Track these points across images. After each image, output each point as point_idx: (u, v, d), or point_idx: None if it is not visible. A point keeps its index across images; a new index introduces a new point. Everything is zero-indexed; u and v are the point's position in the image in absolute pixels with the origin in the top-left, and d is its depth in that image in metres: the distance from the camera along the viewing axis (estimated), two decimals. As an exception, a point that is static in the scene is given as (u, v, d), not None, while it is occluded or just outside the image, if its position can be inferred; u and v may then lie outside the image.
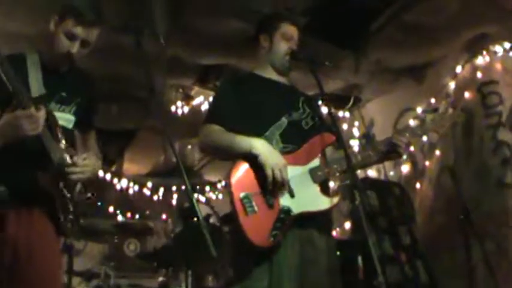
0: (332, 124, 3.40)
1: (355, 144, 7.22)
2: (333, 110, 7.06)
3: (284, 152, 3.23)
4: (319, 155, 3.31)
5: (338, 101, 7.12)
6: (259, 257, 3.07)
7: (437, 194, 6.32)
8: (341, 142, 3.26)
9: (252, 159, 3.14)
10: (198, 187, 9.90)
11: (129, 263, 8.07)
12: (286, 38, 3.54)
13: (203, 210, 5.91)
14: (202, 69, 6.51)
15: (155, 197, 10.43)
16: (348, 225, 7.12)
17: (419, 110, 6.62)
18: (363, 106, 7.45)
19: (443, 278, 5.59)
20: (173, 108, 7.16)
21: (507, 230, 5.49)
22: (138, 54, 3.02)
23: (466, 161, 6.05)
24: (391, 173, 6.90)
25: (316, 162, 3.27)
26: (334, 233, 7.50)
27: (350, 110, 7.47)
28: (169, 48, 5.88)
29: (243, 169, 3.16)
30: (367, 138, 7.08)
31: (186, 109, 7.19)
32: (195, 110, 7.13)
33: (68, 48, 3.09)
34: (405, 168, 6.80)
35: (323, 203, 3.19)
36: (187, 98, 7.08)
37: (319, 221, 3.23)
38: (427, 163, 6.54)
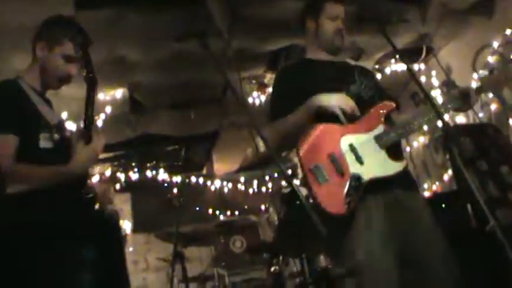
0: (411, 78, 3.42)
1: (436, 93, 7.11)
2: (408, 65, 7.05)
3: (347, 123, 3.27)
4: (382, 121, 3.33)
5: (411, 55, 7.01)
6: (340, 229, 3.11)
7: (533, 124, 6.15)
8: (425, 95, 3.29)
9: (318, 116, 3.24)
10: (290, 171, 9.92)
11: (239, 259, 8.20)
12: (331, 18, 3.55)
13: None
14: (270, 55, 6.52)
15: (250, 191, 10.53)
16: (446, 177, 7.03)
17: (495, 44, 6.43)
18: (437, 54, 7.30)
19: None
20: (250, 99, 7.20)
21: None
22: (207, 57, 3.04)
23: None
24: (481, 115, 6.71)
25: (380, 128, 3.30)
26: (434, 187, 7.49)
27: (425, 61, 7.35)
28: (234, 42, 5.91)
29: (309, 141, 3.21)
30: (447, 85, 6.94)
31: (262, 98, 7.22)
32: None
33: (67, 71, 3.18)
34: (493, 106, 6.62)
35: (392, 167, 3.23)
36: (262, 87, 7.11)
37: (400, 180, 3.25)
38: (515, 95, 6.34)
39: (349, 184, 3.09)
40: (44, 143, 2.97)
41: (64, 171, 2.88)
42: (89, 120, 2.93)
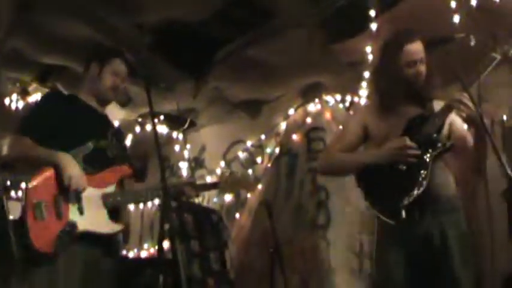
0: (155, 143, 3.56)
1: (184, 166, 7.35)
2: (167, 130, 7.23)
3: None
4: (115, 183, 3.54)
5: (173, 121, 7.21)
6: (41, 262, 3.23)
7: (254, 226, 6.50)
8: (161, 162, 3.45)
9: (55, 169, 3.33)
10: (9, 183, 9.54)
11: None
12: (114, 73, 3.71)
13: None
14: (43, 68, 6.38)
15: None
16: (166, 244, 7.20)
17: (249, 143, 6.85)
18: (197, 131, 7.57)
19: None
20: (7, 101, 6.95)
21: (313, 266, 5.78)
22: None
23: (286, 199, 6.30)
24: (215, 200, 7.05)
25: (111, 189, 3.51)
26: (152, 250, 7.62)
27: (184, 133, 7.59)
28: (11, 40, 5.71)
29: (44, 177, 3.32)
30: (196, 162, 7.23)
31: (20, 104, 7.00)
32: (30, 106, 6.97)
33: None
34: (228, 197, 6.97)
35: (107, 226, 3.44)
36: (24, 93, 6.91)
37: (106, 242, 3.47)
38: (249, 195, 6.73)
39: (63, 228, 3.23)
40: None
41: None
42: None
